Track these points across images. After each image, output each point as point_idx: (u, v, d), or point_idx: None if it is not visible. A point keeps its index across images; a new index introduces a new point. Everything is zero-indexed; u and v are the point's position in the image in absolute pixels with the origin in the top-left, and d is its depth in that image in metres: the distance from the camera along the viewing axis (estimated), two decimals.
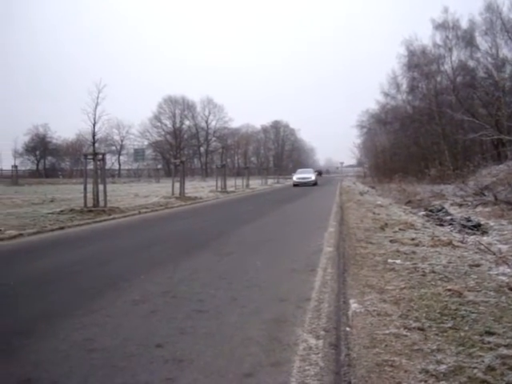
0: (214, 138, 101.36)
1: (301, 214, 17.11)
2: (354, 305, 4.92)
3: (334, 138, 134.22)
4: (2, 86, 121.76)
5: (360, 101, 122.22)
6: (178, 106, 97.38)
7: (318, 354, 3.75)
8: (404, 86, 50.39)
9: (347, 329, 4.30)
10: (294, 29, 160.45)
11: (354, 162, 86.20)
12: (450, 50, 44.76)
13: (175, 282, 6.27)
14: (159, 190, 30.95)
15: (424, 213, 16.41)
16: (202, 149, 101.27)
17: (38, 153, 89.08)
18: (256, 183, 49.34)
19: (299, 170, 52.02)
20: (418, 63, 46.70)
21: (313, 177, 46.09)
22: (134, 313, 4.99)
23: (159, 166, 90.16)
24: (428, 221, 13.92)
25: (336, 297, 5.41)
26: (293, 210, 18.84)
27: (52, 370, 3.57)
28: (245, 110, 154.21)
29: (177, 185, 25.12)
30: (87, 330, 4.40)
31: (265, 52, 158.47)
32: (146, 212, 17.55)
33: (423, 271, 6.30)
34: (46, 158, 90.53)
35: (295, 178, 46.42)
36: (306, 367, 3.50)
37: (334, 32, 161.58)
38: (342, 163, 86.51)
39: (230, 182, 38.02)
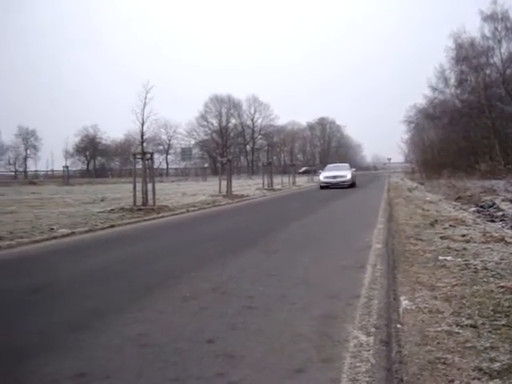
0: (259, 136, 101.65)
1: (349, 211, 17.03)
2: (404, 302, 4.87)
3: (380, 134, 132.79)
4: (53, 89, 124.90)
5: (407, 96, 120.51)
6: (224, 105, 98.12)
7: (369, 350, 3.72)
8: (452, 80, 49.54)
9: (398, 326, 4.25)
10: (337, 25, 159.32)
11: (401, 157, 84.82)
12: (499, 41, 43.84)
13: (224, 279, 6.31)
14: (206, 189, 31.17)
15: (475, 209, 16.10)
16: (248, 147, 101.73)
17: (88, 153, 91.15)
18: (302, 180, 49.14)
19: (329, 166, 38.60)
20: (467, 56, 45.79)
21: (348, 175, 33.04)
22: (184, 309, 5.05)
23: (206, 165, 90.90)
24: (479, 217, 13.63)
25: (386, 294, 5.36)
26: (340, 207, 18.75)
27: (105, 364, 3.64)
28: (290, 107, 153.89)
29: (223, 183, 25.24)
30: (139, 326, 4.48)
31: (309, 49, 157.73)
32: (193, 210, 17.69)
33: (475, 268, 6.18)
34: (96, 158, 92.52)
35: (322, 176, 34.02)
36: (357, 364, 3.48)
37: (380, 26, 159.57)
38: (389, 159, 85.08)
39: (277, 180, 38.02)
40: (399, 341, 3.91)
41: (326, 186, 32.53)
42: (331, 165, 40.61)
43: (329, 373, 3.37)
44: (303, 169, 64.66)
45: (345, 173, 33.46)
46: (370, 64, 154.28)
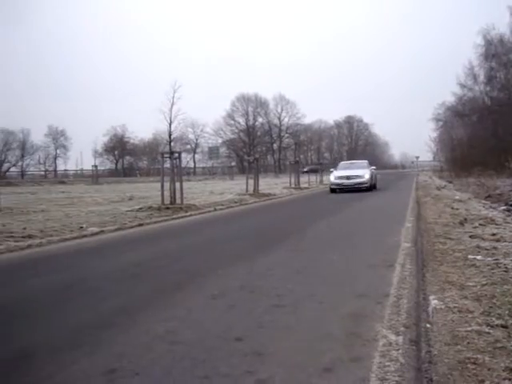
0: (286, 135, 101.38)
1: (376, 209, 16.91)
2: (433, 301, 4.83)
3: (409, 132, 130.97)
4: (83, 89, 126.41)
5: (436, 93, 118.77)
6: (251, 104, 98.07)
7: (399, 350, 3.69)
8: (481, 77, 48.87)
9: (427, 325, 4.23)
10: (366, 23, 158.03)
11: (429, 156, 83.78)
12: None
13: (252, 277, 6.34)
14: (233, 187, 31.23)
15: (504, 207, 15.86)
16: (274, 145, 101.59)
17: (116, 152, 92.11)
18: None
19: (342, 164, 32.59)
20: (496, 52, 45.22)
21: (366, 175, 26.75)
22: (212, 306, 5.08)
23: (233, 164, 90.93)
24: (509, 215, 13.42)
25: (415, 293, 5.31)
26: (368, 205, 18.64)
27: (135, 361, 3.66)
28: (317, 106, 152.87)
29: (250, 182, 25.30)
30: (168, 323, 4.51)
31: (339, 47, 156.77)
32: (221, 209, 17.78)
33: (505, 267, 6.11)
34: (124, 157, 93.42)
35: (333, 177, 27.72)
36: (387, 363, 3.45)
37: (407, 22, 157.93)
38: (417, 157, 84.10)
39: (304, 179, 37.88)
40: (429, 340, 3.88)
41: (337, 189, 26.58)
42: (345, 162, 36.03)
43: (358, 372, 3.36)
44: (307, 168, 59.06)
45: (361, 172, 27.15)
46: (398, 62, 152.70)
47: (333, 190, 26.80)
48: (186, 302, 5.28)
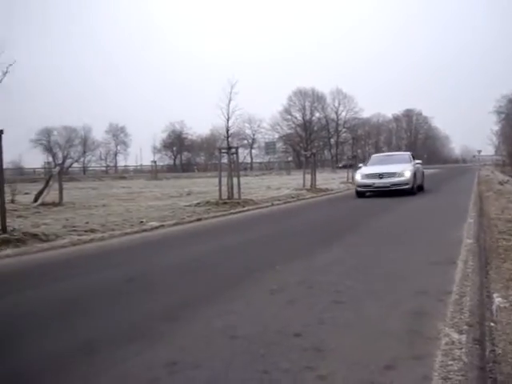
0: (344, 129, 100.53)
1: (436, 205, 16.55)
2: (497, 299, 4.71)
3: (469, 125, 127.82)
4: (142, 87, 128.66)
5: (497, 84, 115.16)
6: (308, 99, 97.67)
7: (462, 348, 3.60)
8: None
9: (491, 324, 4.12)
10: (421, 13, 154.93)
11: (491, 149, 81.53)
12: None
13: (311, 273, 6.31)
14: (290, 182, 31.18)
15: None
16: (332, 140, 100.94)
17: (174, 148, 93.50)
18: None
19: (375, 157, 24.45)
20: None
21: (407, 172, 19.59)
22: (271, 301, 5.09)
23: (290, 159, 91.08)
24: None
25: (478, 290, 5.17)
26: (428, 199, 18.26)
27: (196, 354, 3.71)
28: (375, 99, 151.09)
29: (307, 177, 25.21)
30: (228, 317, 4.54)
31: (395, 39, 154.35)
32: (278, 204, 17.80)
33: None
34: (182, 153, 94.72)
35: (360, 175, 20.29)
36: (449, 362, 3.37)
37: (467, 13, 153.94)
38: (479, 151, 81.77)
39: None
40: (493, 339, 3.79)
41: (366, 192, 19.99)
42: (379, 154, 28.66)
43: (419, 370, 3.30)
44: (343, 163, 53.94)
45: (400, 168, 19.83)
46: (458, 52, 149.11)
47: (360, 194, 20.01)
48: (244, 297, 5.32)
